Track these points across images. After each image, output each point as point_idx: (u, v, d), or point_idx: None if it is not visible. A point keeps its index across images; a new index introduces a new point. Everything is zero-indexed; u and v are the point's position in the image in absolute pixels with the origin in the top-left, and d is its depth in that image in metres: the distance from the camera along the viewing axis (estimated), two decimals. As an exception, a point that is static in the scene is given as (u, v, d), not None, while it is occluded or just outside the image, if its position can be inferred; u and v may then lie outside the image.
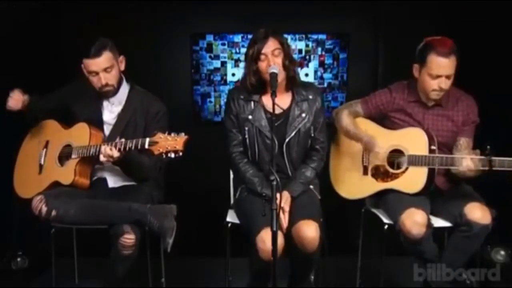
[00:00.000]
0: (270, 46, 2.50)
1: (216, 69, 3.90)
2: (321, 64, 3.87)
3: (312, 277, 2.76)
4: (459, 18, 3.44)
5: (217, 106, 3.92)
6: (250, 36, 2.66)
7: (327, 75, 3.88)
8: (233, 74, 3.87)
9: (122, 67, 2.65)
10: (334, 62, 3.87)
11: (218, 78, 3.90)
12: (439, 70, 2.53)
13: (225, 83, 3.91)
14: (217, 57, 3.88)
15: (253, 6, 3.71)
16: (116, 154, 2.39)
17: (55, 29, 3.66)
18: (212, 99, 3.93)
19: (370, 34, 3.87)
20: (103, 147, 2.41)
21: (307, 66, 3.86)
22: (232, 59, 3.88)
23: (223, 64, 3.89)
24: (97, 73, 2.54)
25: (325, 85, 3.89)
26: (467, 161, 2.43)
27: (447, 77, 2.55)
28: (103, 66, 2.53)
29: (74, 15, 3.70)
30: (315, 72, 3.88)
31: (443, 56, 2.52)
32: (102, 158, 2.43)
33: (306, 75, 3.86)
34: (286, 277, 2.67)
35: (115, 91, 2.64)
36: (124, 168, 2.59)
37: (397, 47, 3.66)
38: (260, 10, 3.70)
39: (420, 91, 2.67)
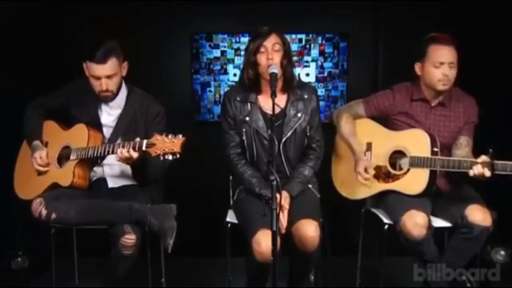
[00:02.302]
0: (271, 41, 2.51)
1: (216, 58, 3.88)
2: (321, 53, 3.86)
3: (312, 277, 2.76)
4: (459, 18, 3.44)
5: (217, 95, 3.90)
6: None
7: (327, 64, 3.87)
8: (235, 75, 3.86)
9: (124, 73, 2.64)
10: (335, 51, 3.86)
11: (218, 67, 3.89)
12: (440, 57, 2.56)
13: (225, 72, 3.89)
14: (217, 46, 3.86)
15: (253, 6, 3.71)
16: (135, 155, 2.38)
17: (55, 29, 3.65)
18: (212, 89, 3.91)
19: (370, 34, 3.87)
20: (119, 150, 2.40)
21: (308, 55, 3.85)
22: (232, 48, 3.86)
23: (223, 53, 3.87)
24: (99, 78, 2.53)
25: (325, 74, 3.88)
26: (478, 168, 2.40)
27: (450, 65, 2.57)
28: (106, 73, 2.52)
29: (74, 15, 3.69)
30: (315, 61, 3.87)
31: (442, 44, 2.57)
32: (118, 160, 2.43)
33: (307, 74, 3.86)
34: (285, 277, 2.67)
35: (113, 96, 2.63)
36: (137, 168, 2.58)
37: (397, 47, 3.66)
38: (260, 10, 3.70)
39: (426, 87, 2.67)
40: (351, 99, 3.71)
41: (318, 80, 3.86)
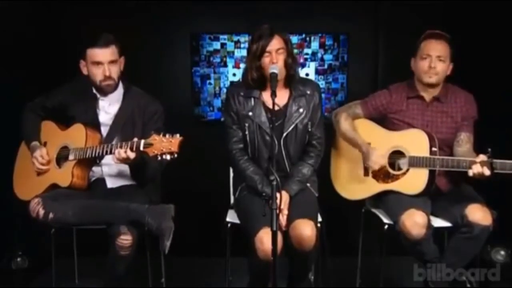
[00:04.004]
0: (275, 45, 2.50)
1: (216, 51, 3.87)
2: (322, 45, 3.85)
3: (312, 277, 2.76)
4: (459, 18, 3.44)
5: (217, 88, 3.89)
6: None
7: (327, 56, 3.87)
8: (234, 74, 3.86)
9: (121, 68, 2.64)
10: (335, 43, 3.84)
11: (218, 60, 3.88)
12: (428, 50, 2.61)
13: (225, 65, 3.88)
14: (216, 38, 3.85)
15: (253, 6, 3.71)
16: (132, 155, 2.37)
17: (55, 30, 3.66)
18: (212, 81, 3.90)
19: (370, 34, 3.87)
20: (116, 151, 2.40)
21: (308, 47, 3.84)
22: (232, 41, 3.85)
23: (223, 46, 3.86)
24: (101, 64, 2.53)
25: (326, 66, 3.87)
26: (477, 168, 2.41)
27: (438, 58, 2.60)
28: (109, 58, 2.53)
29: (74, 15, 3.70)
30: (315, 53, 3.85)
31: (432, 38, 2.62)
32: (116, 161, 2.42)
33: (307, 75, 3.86)
34: (285, 277, 2.67)
35: (115, 87, 2.63)
36: (135, 167, 2.57)
37: (397, 46, 3.66)
38: (260, 10, 3.70)
39: (419, 83, 2.70)
40: (351, 91, 3.78)
41: (318, 72, 3.86)
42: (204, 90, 3.91)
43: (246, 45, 3.69)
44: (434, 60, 2.60)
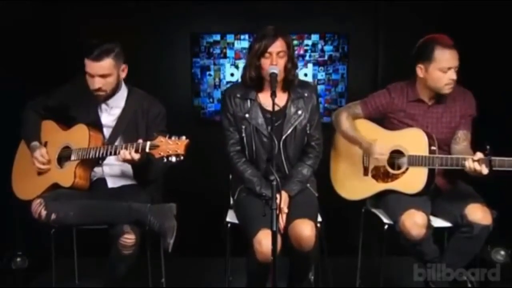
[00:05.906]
0: (277, 47, 2.50)
1: (216, 42, 3.86)
2: (322, 37, 3.84)
3: (312, 277, 2.77)
4: (459, 17, 3.45)
5: (217, 79, 3.88)
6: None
7: (327, 47, 3.85)
8: (232, 74, 3.86)
9: (123, 75, 2.62)
10: (335, 35, 3.84)
11: (217, 51, 3.87)
12: (449, 62, 2.56)
13: (225, 56, 3.86)
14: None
15: (253, 6, 3.71)
16: (136, 156, 2.37)
17: (55, 29, 3.65)
18: (212, 72, 3.88)
19: (370, 34, 3.87)
20: (122, 152, 2.40)
21: (309, 39, 3.83)
22: (231, 32, 3.84)
23: (223, 37, 3.85)
24: (92, 76, 2.52)
25: (326, 57, 3.86)
26: (469, 163, 2.42)
27: (455, 68, 2.58)
28: (99, 72, 2.51)
29: (74, 15, 3.70)
30: (315, 45, 3.85)
31: (450, 48, 2.56)
32: (120, 159, 2.42)
33: (306, 75, 3.86)
34: (284, 277, 2.67)
35: (107, 97, 2.61)
36: (138, 169, 2.57)
37: (397, 47, 3.66)
38: (260, 10, 3.70)
39: (426, 89, 2.67)
40: (351, 82, 3.79)
41: (318, 63, 3.85)
42: (204, 81, 3.89)
43: (246, 36, 3.75)
44: (453, 72, 2.57)
